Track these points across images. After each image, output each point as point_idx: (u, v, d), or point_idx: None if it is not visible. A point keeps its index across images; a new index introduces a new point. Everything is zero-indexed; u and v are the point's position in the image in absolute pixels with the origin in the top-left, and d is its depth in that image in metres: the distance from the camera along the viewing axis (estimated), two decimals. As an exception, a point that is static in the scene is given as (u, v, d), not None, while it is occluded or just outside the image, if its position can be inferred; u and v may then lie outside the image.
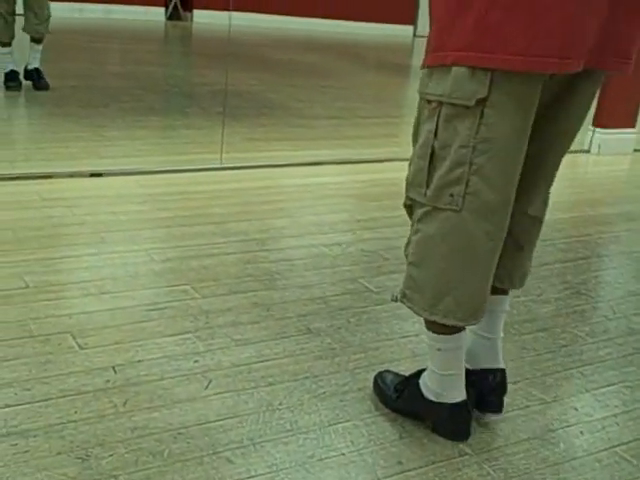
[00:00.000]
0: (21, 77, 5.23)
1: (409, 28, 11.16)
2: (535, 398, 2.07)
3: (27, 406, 1.83)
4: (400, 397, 1.93)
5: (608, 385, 2.20)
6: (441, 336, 1.77)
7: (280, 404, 1.95)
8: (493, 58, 1.47)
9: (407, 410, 1.93)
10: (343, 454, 1.78)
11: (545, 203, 1.84)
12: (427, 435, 1.87)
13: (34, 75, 5.23)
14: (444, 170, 1.58)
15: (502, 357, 1.93)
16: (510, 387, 2.10)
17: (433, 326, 1.76)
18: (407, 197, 1.70)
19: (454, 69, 1.51)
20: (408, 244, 1.74)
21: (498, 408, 1.92)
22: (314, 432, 1.85)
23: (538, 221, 1.83)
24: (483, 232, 1.62)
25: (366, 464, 1.76)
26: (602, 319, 2.60)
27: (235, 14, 4.68)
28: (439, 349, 1.79)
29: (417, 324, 2.43)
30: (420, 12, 11.03)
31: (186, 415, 1.86)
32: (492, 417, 1.93)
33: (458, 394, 1.83)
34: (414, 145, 1.68)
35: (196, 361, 2.10)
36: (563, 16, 1.43)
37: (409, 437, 1.87)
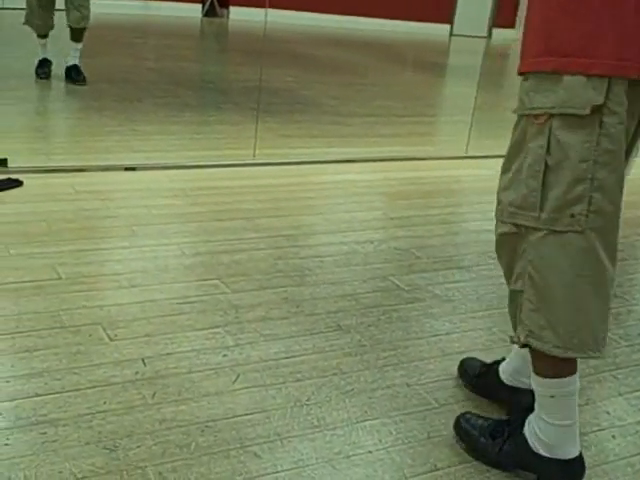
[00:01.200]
0: (53, 67, 5.28)
1: (446, 27, 11.08)
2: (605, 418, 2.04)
3: (57, 396, 1.84)
4: (502, 449, 1.74)
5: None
6: (556, 380, 1.60)
7: (308, 400, 1.94)
8: (607, 64, 1.39)
9: (511, 464, 1.74)
10: (370, 452, 1.77)
11: None
12: (455, 435, 1.85)
13: (72, 72, 5.30)
14: (562, 188, 1.46)
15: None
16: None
17: (548, 369, 1.61)
18: (509, 224, 1.56)
19: (566, 77, 1.41)
20: (520, 276, 1.57)
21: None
22: (341, 429, 1.84)
23: None
24: (609, 250, 1.51)
25: (393, 462, 1.74)
26: (637, 322, 2.56)
27: (271, 11, 4.67)
28: (552, 396, 1.62)
29: (448, 323, 2.41)
30: (457, 11, 10.96)
31: (214, 409, 1.86)
32: None
33: (573, 448, 1.66)
34: (506, 172, 1.57)
35: (225, 355, 2.10)
36: None
37: (438, 436, 1.85)
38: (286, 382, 2.00)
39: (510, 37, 10.61)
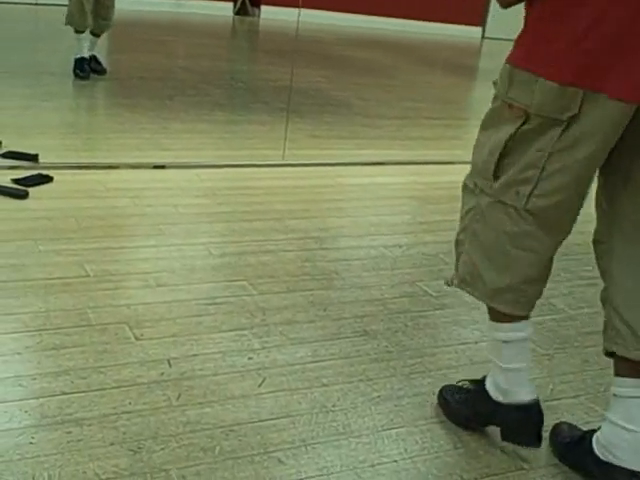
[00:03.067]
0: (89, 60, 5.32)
1: (478, 30, 11.00)
2: (596, 414, 2.00)
3: (82, 395, 1.84)
4: (466, 402, 1.88)
5: None
6: (506, 325, 1.73)
7: (333, 406, 1.92)
8: (586, 79, 1.45)
9: (472, 414, 1.86)
10: (395, 461, 1.75)
11: None
12: (483, 446, 1.83)
13: (92, 61, 5.32)
14: (516, 169, 1.58)
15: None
16: (571, 401, 2.05)
17: (498, 314, 1.73)
18: (471, 180, 1.70)
19: (541, 81, 1.49)
20: (464, 229, 1.73)
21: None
22: (367, 436, 1.82)
23: None
24: (550, 234, 1.63)
25: (419, 473, 1.72)
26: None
27: (304, 11, 4.66)
28: (505, 341, 1.74)
29: (476, 331, 2.38)
30: (490, 14, 10.88)
31: (239, 412, 1.85)
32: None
33: (527, 392, 1.76)
34: (481, 131, 1.67)
35: (250, 358, 2.09)
36: None
37: (464, 447, 1.82)
38: (312, 387, 1.99)
39: (543, 41, 10.49)
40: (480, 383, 1.86)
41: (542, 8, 1.51)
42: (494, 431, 1.87)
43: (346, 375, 2.06)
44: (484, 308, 2.52)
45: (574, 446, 1.80)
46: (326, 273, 2.67)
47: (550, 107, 1.50)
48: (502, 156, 1.59)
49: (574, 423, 1.93)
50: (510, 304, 1.69)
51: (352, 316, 2.39)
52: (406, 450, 1.79)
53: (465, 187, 1.73)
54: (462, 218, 1.74)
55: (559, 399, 2.06)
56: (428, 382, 2.07)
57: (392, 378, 2.07)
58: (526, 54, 1.54)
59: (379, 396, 1.98)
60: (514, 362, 1.75)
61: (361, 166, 4.07)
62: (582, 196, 1.62)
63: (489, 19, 10.86)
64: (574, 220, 1.66)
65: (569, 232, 1.67)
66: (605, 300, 1.69)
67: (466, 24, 10.77)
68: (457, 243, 1.76)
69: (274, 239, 2.92)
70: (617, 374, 1.71)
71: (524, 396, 1.76)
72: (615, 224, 1.64)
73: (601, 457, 1.69)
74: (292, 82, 4.59)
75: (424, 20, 10.42)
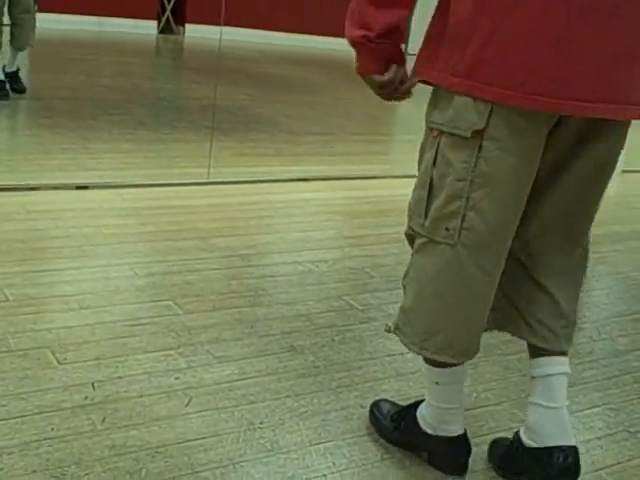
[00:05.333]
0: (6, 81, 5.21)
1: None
2: (519, 419, 2.04)
3: (2, 422, 1.79)
4: (397, 429, 1.88)
5: (592, 407, 2.19)
6: (438, 369, 1.70)
7: (261, 423, 1.92)
8: (490, 90, 1.43)
9: (403, 441, 1.87)
10: (324, 475, 1.76)
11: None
12: (409, 457, 1.85)
13: (12, 78, 5.21)
14: (440, 203, 1.53)
15: (572, 432, 1.74)
16: (494, 408, 2.09)
17: (429, 359, 1.69)
18: (409, 226, 1.65)
19: (456, 97, 1.47)
20: (406, 275, 1.69)
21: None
22: (295, 452, 1.82)
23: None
24: (478, 269, 1.55)
25: (347, 486, 1.73)
26: (587, 340, 2.59)
27: (227, 29, 4.67)
28: (437, 382, 1.73)
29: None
30: (412, 31, 11.08)
31: (165, 433, 1.83)
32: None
33: (456, 428, 1.77)
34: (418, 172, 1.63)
35: (177, 378, 2.07)
36: (559, 56, 1.40)
37: (391, 458, 1.85)
38: (239, 405, 1.98)
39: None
40: (411, 410, 1.86)
41: (440, 22, 1.50)
42: (420, 441, 1.89)
43: (273, 391, 2.06)
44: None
45: (507, 450, 1.82)
46: (252, 290, 2.68)
47: (457, 122, 1.47)
48: (431, 187, 1.54)
49: (497, 429, 1.98)
50: (441, 351, 1.62)
51: (279, 332, 2.39)
52: (334, 464, 1.80)
53: (406, 237, 1.69)
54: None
55: (483, 406, 2.11)
56: (355, 395, 2.09)
57: (319, 393, 2.09)
58: (438, 70, 1.51)
59: (306, 411, 1.99)
60: (445, 402, 1.75)
61: (287, 182, 4.09)
62: (513, 220, 1.56)
63: (411, 36, 11.06)
64: (505, 249, 1.59)
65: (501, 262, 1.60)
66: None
67: (389, 41, 10.92)
68: (403, 289, 1.71)
69: (200, 258, 2.90)
70: (533, 356, 1.75)
71: (452, 432, 1.77)
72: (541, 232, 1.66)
73: (531, 444, 1.72)
74: (216, 100, 4.58)
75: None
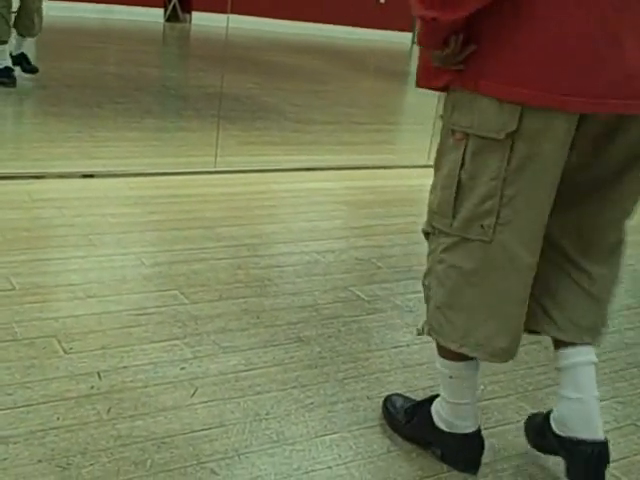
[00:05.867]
0: (14, 68, 5.20)
1: (408, 35, 11.15)
2: (526, 412, 2.03)
3: (8, 411, 1.79)
4: (409, 423, 1.87)
5: (600, 400, 2.16)
6: (453, 363, 1.70)
7: (267, 414, 1.91)
8: (522, 92, 1.42)
9: (416, 437, 1.86)
10: (330, 467, 1.75)
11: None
12: (416, 450, 1.84)
13: (21, 60, 5.20)
14: (474, 202, 1.53)
15: (601, 425, 1.71)
16: (501, 401, 2.08)
17: (448, 352, 1.68)
18: (429, 225, 1.64)
19: (483, 100, 1.46)
20: (429, 273, 1.67)
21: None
22: (301, 443, 1.82)
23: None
24: (515, 261, 1.56)
25: (353, 478, 1.72)
26: (595, 333, 2.57)
27: (234, 17, 4.64)
28: (451, 377, 1.72)
29: (409, 334, 2.41)
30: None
31: (171, 424, 1.82)
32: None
33: (470, 424, 1.76)
34: (436, 172, 1.62)
35: (183, 368, 2.07)
36: (591, 54, 1.40)
37: (397, 451, 1.84)
38: (245, 396, 1.98)
39: (471, 46, 10.69)
40: (425, 405, 1.85)
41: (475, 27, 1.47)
42: (426, 433, 1.89)
43: (279, 382, 2.06)
44: (416, 311, 2.56)
45: (539, 429, 1.83)
46: (259, 280, 2.67)
47: (488, 125, 1.46)
48: (458, 189, 1.54)
49: (504, 422, 1.98)
50: (481, 349, 1.62)
51: (285, 323, 2.38)
52: (340, 456, 1.79)
53: (424, 234, 1.69)
54: (427, 262, 1.68)
55: (490, 399, 2.10)
56: (361, 387, 2.08)
57: (325, 384, 2.08)
58: (463, 74, 1.49)
59: (312, 402, 1.98)
60: (459, 398, 1.74)
61: (293, 172, 4.07)
62: (544, 212, 1.56)
63: (417, 24, 10.99)
64: (540, 238, 1.59)
65: (538, 253, 1.60)
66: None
67: (396, 29, 10.89)
68: (423, 288, 1.70)
69: (206, 247, 2.89)
70: (558, 347, 1.74)
71: (466, 429, 1.76)
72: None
73: (559, 433, 1.72)
74: (223, 88, 4.57)
75: (355, 26, 10.51)
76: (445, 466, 1.80)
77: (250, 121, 5.13)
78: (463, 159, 1.52)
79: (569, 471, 1.71)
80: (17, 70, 5.19)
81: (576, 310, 1.71)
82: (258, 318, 2.39)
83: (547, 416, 1.78)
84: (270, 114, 5.51)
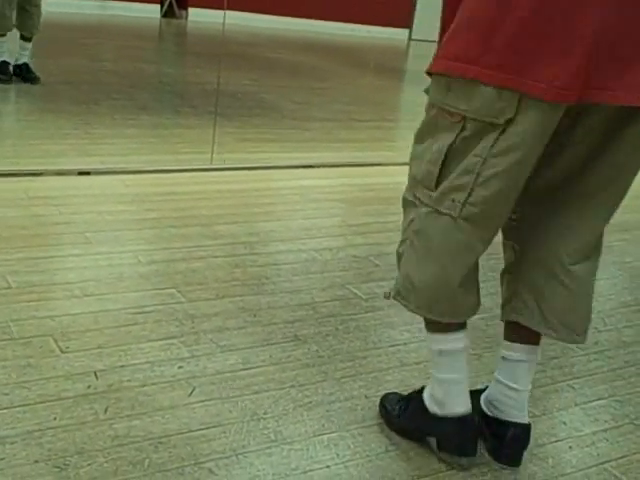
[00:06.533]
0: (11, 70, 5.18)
1: (405, 31, 11.13)
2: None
3: (4, 411, 1.78)
4: (404, 414, 1.88)
5: (598, 399, 2.17)
6: (441, 335, 1.74)
7: (265, 413, 1.91)
8: (522, 82, 1.44)
9: (411, 428, 1.86)
10: (328, 466, 1.74)
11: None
12: (414, 448, 1.84)
13: (23, 70, 5.17)
14: (453, 175, 1.57)
15: (527, 411, 1.84)
16: (499, 400, 2.07)
17: (433, 325, 1.73)
18: (412, 194, 1.67)
19: (482, 87, 1.48)
20: (404, 241, 1.71)
21: (515, 462, 1.82)
22: (299, 443, 1.81)
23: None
24: (476, 237, 1.62)
25: (351, 477, 1.72)
26: (593, 331, 2.57)
27: (230, 13, 4.62)
28: (440, 351, 1.75)
29: (406, 333, 2.40)
30: (416, 16, 11.01)
31: (168, 423, 1.82)
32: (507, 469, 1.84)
33: (462, 404, 1.77)
34: (417, 143, 1.66)
35: (180, 367, 2.06)
36: (591, 46, 1.41)
37: (396, 450, 1.83)
38: (243, 395, 1.97)
39: (468, 42, 10.68)
40: (417, 394, 1.87)
41: (464, 12, 1.51)
42: (425, 432, 1.89)
43: (277, 381, 2.05)
44: (414, 310, 2.54)
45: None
46: (256, 278, 2.66)
47: (487, 111, 1.49)
48: (444, 164, 1.57)
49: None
50: (446, 314, 1.69)
51: (282, 321, 2.38)
52: (338, 455, 1.79)
53: (405, 201, 1.71)
54: (403, 232, 1.72)
55: (488, 398, 2.09)
56: (359, 385, 2.08)
57: (323, 383, 2.07)
58: (459, 59, 1.51)
59: (310, 402, 1.98)
60: (449, 372, 1.76)
61: (291, 169, 4.06)
62: (512, 202, 1.61)
63: (415, 21, 11.00)
64: (502, 224, 1.67)
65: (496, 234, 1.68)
66: (511, 275, 1.78)
67: (393, 26, 10.88)
68: (397, 255, 1.75)
69: (203, 245, 2.88)
70: (508, 339, 1.82)
71: (459, 408, 1.77)
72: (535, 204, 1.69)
73: (487, 412, 1.86)
74: (220, 85, 4.55)
75: (352, 22, 10.49)
76: (444, 465, 1.79)
77: (247, 118, 5.12)
78: (456, 138, 1.55)
79: (493, 450, 1.84)
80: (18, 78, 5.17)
81: (566, 311, 1.74)
82: (255, 316, 2.39)
83: (475, 394, 1.86)
84: (267, 111, 5.50)
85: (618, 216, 1.74)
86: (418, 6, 11.00)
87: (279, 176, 3.93)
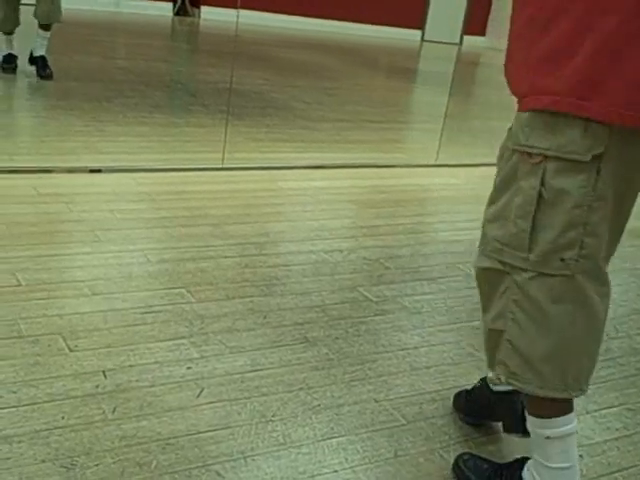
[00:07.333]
0: (19, 61, 5.15)
1: (417, 32, 11.10)
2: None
3: (12, 410, 1.78)
4: None
5: (609, 407, 2.15)
6: (550, 420, 1.55)
7: (273, 416, 1.89)
8: (609, 112, 1.34)
9: None
10: (336, 471, 1.73)
11: None
12: (423, 454, 1.82)
13: (39, 63, 5.16)
14: (555, 233, 1.42)
15: None
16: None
17: (541, 408, 1.56)
18: (494, 260, 1.51)
19: (564, 120, 1.36)
20: (501, 316, 1.52)
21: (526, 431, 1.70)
22: (307, 446, 1.80)
23: None
24: (599, 294, 1.48)
25: (359, 483, 1.71)
26: (605, 338, 2.54)
27: (243, 12, 4.62)
28: (548, 437, 1.56)
29: (416, 337, 2.39)
30: (429, 17, 10.98)
31: (176, 424, 1.81)
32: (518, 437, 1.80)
33: None
34: (494, 203, 1.52)
35: (189, 368, 2.05)
36: None
37: (405, 455, 1.82)
38: (251, 397, 1.96)
39: (481, 45, 10.66)
40: (514, 471, 1.68)
41: (538, 38, 1.39)
42: (432, 438, 1.87)
43: (286, 384, 2.04)
44: (424, 313, 2.54)
45: (471, 397, 1.96)
46: (266, 279, 2.65)
47: (572, 147, 1.37)
48: (535, 219, 1.42)
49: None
50: (571, 388, 1.52)
51: (292, 323, 2.36)
52: (347, 459, 1.77)
53: (486, 272, 1.54)
54: (492, 305, 1.54)
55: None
56: (368, 389, 2.06)
57: (332, 386, 2.06)
58: (540, 92, 1.39)
59: (319, 405, 1.97)
60: (561, 461, 1.57)
61: (302, 170, 4.05)
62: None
63: (428, 22, 10.97)
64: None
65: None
66: None
67: (406, 27, 10.85)
68: (492, 333, 1.56)
69: (213, 245, 2.87)
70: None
71: None
72: None
73: (494, 389, 1.84)
74: (232, 84, 4.54)
75: (364, 22, 10.47)
76: (452, 472, 1.78)
77: (259, 117, 5.11)
78: (542, 184, 1.40)
79: (508, 426, 1.83)
80: (32, 68, 5.17)
81: None
82: (265, 318, 2.37)
83: (484, 382, 1.90)
84: (279, 111, 5.49)
85: (631, 223, 1.71)
86: (431, 7, 10.98)
87: (290, 176, 3.91)
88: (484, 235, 1.55)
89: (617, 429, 2.05)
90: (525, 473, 1.65)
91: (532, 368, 1.50)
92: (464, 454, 1.80)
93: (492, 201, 1.53)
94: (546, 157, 1.39)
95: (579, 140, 1.36)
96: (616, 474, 1.86)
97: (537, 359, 1.49)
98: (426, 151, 4.59)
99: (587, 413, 2.11)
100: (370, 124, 5.58)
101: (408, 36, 10.92)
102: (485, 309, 1.58)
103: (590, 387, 2.20)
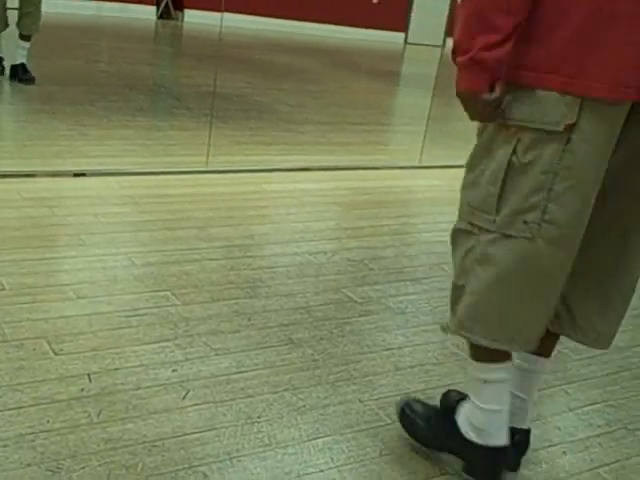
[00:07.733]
0: (7, 71, 5.18)
1: (400, 35, 11.15)
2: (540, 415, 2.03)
3: (-2, 414, 1.78)
4: (430, 426, 1.82)
5: (592, 404, 2.18)
6: (489, 365, 1.66)
7: (259, 417, 1.90)
8: (583, 84, 1.40)
9: (442, 447, 1.81)
10: (322, 471, 1.74)
11: None
12: (408, 452, 1.84)
13: (19, 70, 5.17)
14: (520, 196, 1.49)
15: (530, 418, 1.84)
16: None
17: (482, 354, 1.65)
18: (465, 222, 1.59)
19: (539, 92, 1.43)
20: (464, 273, 1.61)
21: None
22: (293, 447, 1.81)
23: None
24: (557, 261, 1.54)
25: (345, 482, 1.72)
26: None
27: (227, 15, 4.62)
28: (485, 381, 1.67)
29: (400, 337, 2.40)
30: (412, 19, 11.03)
31: (162, 427, 1.81)
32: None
33: (503, 436, 1.70)
34: (470, 171, 1.59)
35: (174, 370, 2.05)
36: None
37: (390, 454, 1.83)
38: (236, 398, 1.97)
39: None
40: (447, 411, 1.79)
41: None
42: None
43: (271, 385, 2.05)
44: (408, 313, 2.55)
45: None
46: (251, 281, 2.66)
47: (546, 118, 1.43)
48: (504, 183, 1.49)
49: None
50: (515, 343, 1.61)
51: (277, 325, 2.37)
52: (332, 459, 1.79)
53: (456, 233, 1.63)
54: (459, 263, 1.62)
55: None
56: (353, 390, 2.08)
57: (317, 387, 2.07)
58: (517, 67, 1.45)
59: (305, 405, 1.98)
60: (493, 403, 1.68)
61: (285, 172, 4.06)
62: (587, 219, 1.54)
63: (411, 24, 11.01)
64: (578, 246, 1.57)
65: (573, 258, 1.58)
66: None
67: (389, 29, 10.89)
68: (455, 289, 1.66)
69: (198, 248, 2.88)
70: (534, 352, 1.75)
71: (499, 440, 1.70)
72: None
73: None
74: (216, 87, 4.55)
75: (348, 25, 10.50)
76: (437, 469, 1.80)
77: (243, 120, 5.12)
78: (514, 152, 1.48)
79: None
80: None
81: (604, 319, 1.70)
82: (250, 320, 2.38)
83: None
84: (263, 114, 5.50)
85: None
86: (414, 10, 11.03)
87: (274, 179, 3.92)
88: (460, 201, 1.63)
89: (599, 425, 2.07)
90: (460, 417, 1.75)
91: (480, 320, 1.60)
92: (407, 399, 1.91)
93: (469, 168, 1.61)
94: (520, 127, 1.47)
95: (553, 111, 1.43)
96: (599, 469, 1.88)
97: (489, 313, 1.58)
98: (409, 153, 4.61)
99: (570, 410, 2.13)
100: (354, 126, 5.60)
101: (391, 39, 10.96)
102: (454, 266, 1.66)
103: (573, 384, 2.25)
